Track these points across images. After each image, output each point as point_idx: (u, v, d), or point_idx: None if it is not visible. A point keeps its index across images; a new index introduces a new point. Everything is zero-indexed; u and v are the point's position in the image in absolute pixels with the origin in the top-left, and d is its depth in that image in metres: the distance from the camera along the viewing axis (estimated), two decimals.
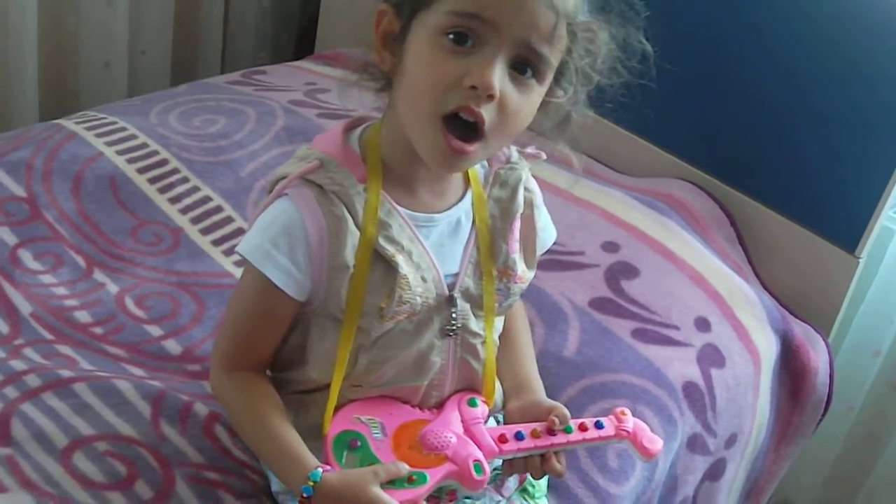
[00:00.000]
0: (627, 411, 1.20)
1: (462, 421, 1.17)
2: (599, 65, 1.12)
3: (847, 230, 1.88)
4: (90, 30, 2.21)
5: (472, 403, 1.19)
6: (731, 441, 1.68)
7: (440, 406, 1.20)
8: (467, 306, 1.18)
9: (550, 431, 1.16)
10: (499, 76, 1.03)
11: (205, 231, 1.69)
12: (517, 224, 1.21)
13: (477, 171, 1.21)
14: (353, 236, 1.10)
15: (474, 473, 1.11)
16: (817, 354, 1.85)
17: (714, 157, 2.03)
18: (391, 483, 1.08)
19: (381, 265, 1.11)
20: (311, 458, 1.10)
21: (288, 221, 1.10)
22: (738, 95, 1.98)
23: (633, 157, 2.09)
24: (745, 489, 1.85)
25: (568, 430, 1.16)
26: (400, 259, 1.11)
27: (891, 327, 2.01)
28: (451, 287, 1.17)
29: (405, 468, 1.10)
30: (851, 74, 1.85)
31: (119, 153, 1.78)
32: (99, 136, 1.81)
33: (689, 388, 1.59)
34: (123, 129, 1.84)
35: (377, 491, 1.06)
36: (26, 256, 1.57)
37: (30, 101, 2.12)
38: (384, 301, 1.11)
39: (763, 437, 1.81)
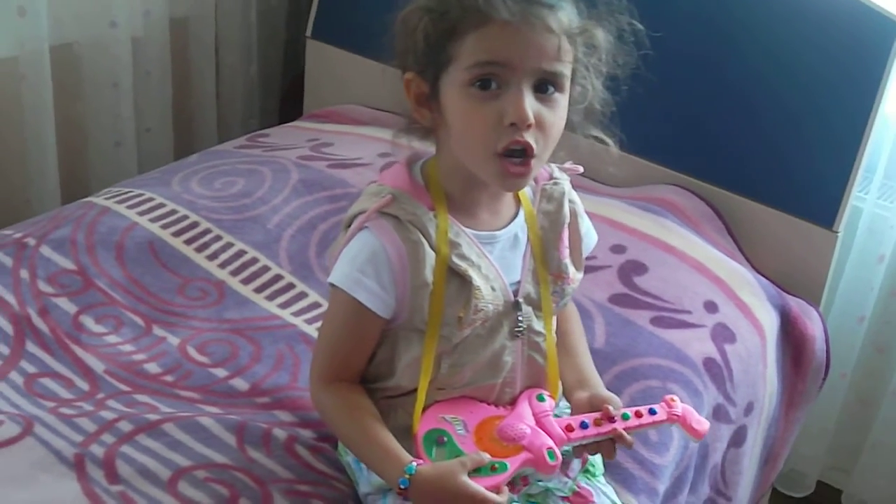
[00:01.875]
0: (676, 398, 1.33)
1: (533, 414, 1.30)
2: (605, 56, 1.27)
3: (823, 209, 2.05)
4: (99, 113, 2.34)
5: (541, 398, 1.32)
6: (748, 409, 1.83)
7: (513, 403, 1.33)
8: (530, 309, 1.32)
9: (610, 419, 1.28)
10: (529, 105, 1.18)
11: (245, 281, 1.81)
12: (565, 233, 1.35)
13: (525, 190, 1.35)
14: (429, 257, 1.24)
15: (548, 460, 1.24)
16: (813, 324, 2.02)
17: (695, 160, 2.19)
18: (476, 471, 1.21)
19: (456, 280, 1.26)
20: (405, 455, 1.23)
21: (372, 251, 1.24)
22: (712, 100, 2.15)
23: (620, 171, 2.20)
24: (762, 455, 1.99)
25: (625, 417, 1.29)
26: (472, 273, 1.26)
27: (871, 293, 2.18)
28: (516, 293, 1.31)
29: (487, 457, 1.22)
30: (813, 73, 2.03)
31: (152, 221, 1.89)
32: (130, 207, 1.92)
33: (709, 364, 1.74)
34: (151, 199, 1.96)
35: (465, 479, 1.19)
36: (88, 321, 1.68)
37: (51, 185, 2.24)
38: (461, 311, 1.26)
39: (774, 405, 1.96)
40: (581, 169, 1.37)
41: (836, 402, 2.29)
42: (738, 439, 1.82)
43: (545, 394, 1.33)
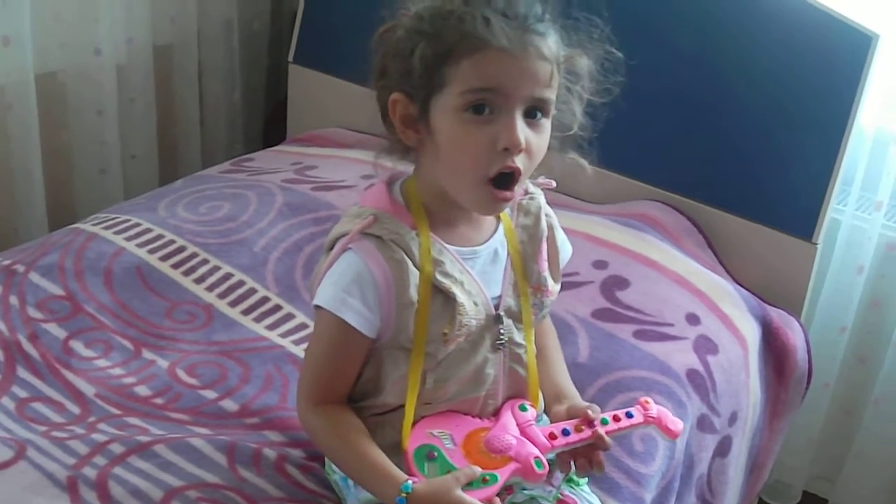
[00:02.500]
0: (650, 400, 1.37)
1: (517, 424, 1.32)
2: (587, 83, 1.29)
3: (802, 221, 2.08)
4: (84, 140, 2.36)
5: (523, 408, 1.35)
6: (732, 419, 1.86)
7: (496, 414, 1.35)
8: (511, 322, 1.34)
9: (590, 425, 1.31)
10: (521, 131, 1.20)
11: (233, 303, 1.82)
12: (544, 246, 1.38)
13: None
14: (413, 276, 1.26)
15: (536, 468, 1.27)
16: (794, 334, 2.05)
17: (675, 176, 2.23)
18: (468, 485, 1.23)
19: (440, 297, 1.27)
20: (399, 473, 1.24)
21: (357, 271, 1.25)
22: (690, 117, 2.19)
23: (601, 189, 2.25)
24: (748, 465, 2.02)
25: (605, 422, 1.32)
26: (456, 290, 1.28)
27: (851, 304, 2.22)
28: (497, 307, 1.33)
29: (479, 470, 1.24)
30: (788, 88, 2.07)
31: (139, 246, 1.91)
32: (117, 233, 1.94)
33: (692, 375, 1.77)
34: (138, 224, 1.97)
35: (460, 493, 1.21)
36: (78, 346, 1.69)
37: (38, 212, 2.26)
38: (446, 327, 1.28)
39: (758, 414, 1.98)
40: (554, 183, 1.39)
41: (819, 412, 2.32)
42: (723, 449, 1.84)
43: (527, 404, 1.36)
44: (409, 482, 1.22)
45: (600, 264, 1.98)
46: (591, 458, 1.32)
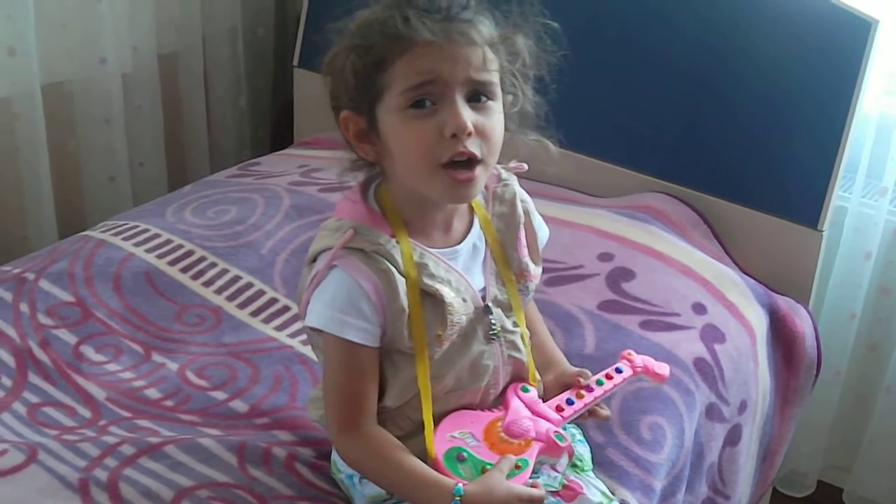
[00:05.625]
0: (632, 352, 1.43)
1: (526, 406, 1.35)
2: (528, 60, 1.30)
3: (807, 208, 2.08)
4: (92, 148, 2.38)
5: (525, 389, 1.37)
6: (742, 407, 1.86)
7: (502, 403, 1.37)
8: (499, 311, 1.36)
9: (588, 389, 1.37)
10: (466, 114, 1.21)
11: (241, 305, 1.84)
12: (522, 232, 1.40)
13: (478, 198, 1.38)
14: (401, 283, 1.26)
15: (559, 442, 1.31)
16: (802, 321, 2.05)
17: (678, 167, 2.23)
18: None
19: (429, 300, 1.29)
20: (447, 480, 1.25)
21: (348, 289, 1.26)
22: (692, 108, 2.19)
23: (605, 182, 2.28)
24: (759, 454, 2.02)
25: (600, 383, 1.38)
26: (444, 290, 1.29)
27: (860, 291, 2.21)
28: (483, 298, 1.35)
29: (514, 458, 1.27)
30: (790, 75, 2.07)
31: (148, 251, 1.92)
32: (125, 239, 1.96)
33: (700, 363, 1.77)
34: (146, 230, 1.99)
35: (510, 484, 1.24)
36: (88, 351, 1.71)
37: (48, 221, 2.28)
38: (440, 329, 1.29)
39: (768, 403, 1.98)
40: (525, 167, 1.40)
41: (831, 400, 2.32)
42: (733, 438, 1.84)
43: (528, 385, 1.38)
44: (460, 485, 1.23)
45: (606, 257, 1.98)
46: (597, 417, 1.39)
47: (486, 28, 1.25)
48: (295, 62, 2.67)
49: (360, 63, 1.23)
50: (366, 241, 1.27)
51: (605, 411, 1.39)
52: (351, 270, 1.26)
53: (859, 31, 1.98)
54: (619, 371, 1.40)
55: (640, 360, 1.42)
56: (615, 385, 1.39)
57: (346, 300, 1.26)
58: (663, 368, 1.43)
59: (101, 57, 2.32)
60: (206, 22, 2.60)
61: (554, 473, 1.38)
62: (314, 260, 1.31)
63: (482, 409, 1.37)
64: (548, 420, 1.33)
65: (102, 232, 2.00)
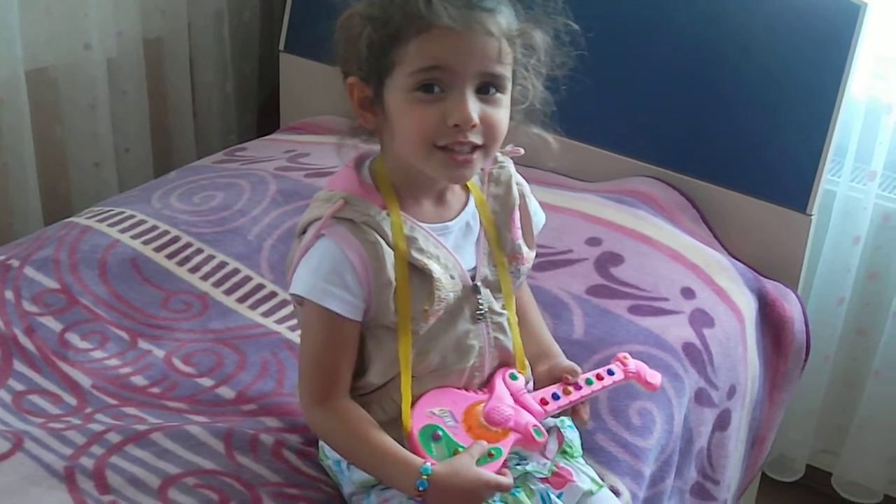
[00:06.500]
0: (628, 356, 1.42)
1: (511, 394, 1.34)
2: (543, 57, 1.30)
3: (795, 192, 2.08)
4: (77, 134, 2.36)
5: (513, 377, 1.36)
6: (731, 392, 1.86)
7: (488, 385, 1.36)
8: (488, 291, 1.35)
9: (577, 386, 1.36)
10: (472, 107, 1.21)
11: (228, 291, 1.83)
12: (516, 214, 1.39)
13: (473, 178, 1.38)
14: (389, 255, 1.26)
15: (536, 437, 1.30)
16: (791, 306, 2.04)
17: (666, 151, 2.22)
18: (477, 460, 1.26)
19: (417, 274, 1.28)
20: (415, 458, 1.25)
21: (333, 257, 1.26)
22: (681, 92, 2.18)
23: (593, 166, 2.28)
24: (749, 439, 2.02)
25: (589, 382, 1.37)
26: (432, 265, 1.28)
27: (849, 276, 2.21)
28: (473, 278, 1.34)
29: (486, 445, 1.27)
30: (778, 58, 2.07)
31: (133, 237, 1.91)
32: (111, 225, 1.94)
33: (688, 348, 1.77)
34: (132, 216, 1.97)
35: (478, 469, 1.24)
36: (74, 338, 1.69)
37: (33, 207, 2.26)
38: (426, 304, 1.28)
39: (757, 387, 1.98)
40: (521, 151, 1.39)
41: (820, 385, 2.32)
42: (722, 423, 1.84)
43: (516, 372, 1.38)
44: (428, 465, 1.23)
45: (594, 241, 1.97)
46: (576, 417, 1.38)
47: (505, 19, 1.24)
48: (281, 46, 2.66)
49: (375, 36, 1.23)
50: (355, 212, 1.27)
51: (585, 415, 1.38)
52: (338, 240, 1.26)
53: (847, 15, 1.98)
54: (610, 373, 1.39)
55: (634, 365, 1.41)
56: (604, 386, 1.38)
57: (330, 269, 1.26)
58: (655, 378, 1.42)
59: (85, 42, 2.29)
60: (192, 6, 2.57)
61: (543, 460, 1.38)
62: (304, 231, 1.31)
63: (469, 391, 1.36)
64: (530, 411, 1.32)
65: (88, 218, 1.99)
